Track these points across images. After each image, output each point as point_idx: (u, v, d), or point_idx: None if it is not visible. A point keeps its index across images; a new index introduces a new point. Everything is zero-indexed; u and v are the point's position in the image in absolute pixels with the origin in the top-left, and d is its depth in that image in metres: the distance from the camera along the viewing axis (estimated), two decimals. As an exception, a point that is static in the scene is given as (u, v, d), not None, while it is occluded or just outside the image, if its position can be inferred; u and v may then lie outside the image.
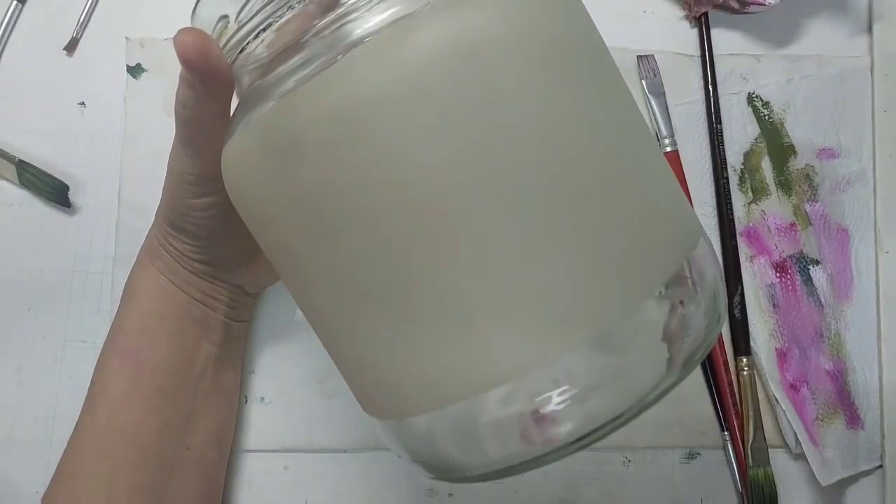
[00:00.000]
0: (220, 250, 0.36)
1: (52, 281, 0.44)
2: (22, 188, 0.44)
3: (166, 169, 0.34)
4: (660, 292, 0.24)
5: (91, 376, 0.36)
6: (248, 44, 0.26)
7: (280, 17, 0.25)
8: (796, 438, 0.44)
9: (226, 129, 0.28)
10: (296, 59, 0.25)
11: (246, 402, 0.43)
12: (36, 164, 0.44)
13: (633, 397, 0.23)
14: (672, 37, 0.47)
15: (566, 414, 0.23)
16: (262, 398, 0.43)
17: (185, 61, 0.27)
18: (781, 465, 0.44)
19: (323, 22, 0.25)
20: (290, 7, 0.25)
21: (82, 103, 0.45)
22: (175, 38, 0.26)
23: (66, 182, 0.44)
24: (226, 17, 0.27)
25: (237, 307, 0.39)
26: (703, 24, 0.47)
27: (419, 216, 0.22)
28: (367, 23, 0.24)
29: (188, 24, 0.44)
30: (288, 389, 0.43)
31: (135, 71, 0.45)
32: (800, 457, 0.44)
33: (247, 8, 0.26)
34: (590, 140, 0.24)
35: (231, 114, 0.30)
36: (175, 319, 0.36)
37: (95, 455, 0.35)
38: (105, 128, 0.45)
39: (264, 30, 0.25)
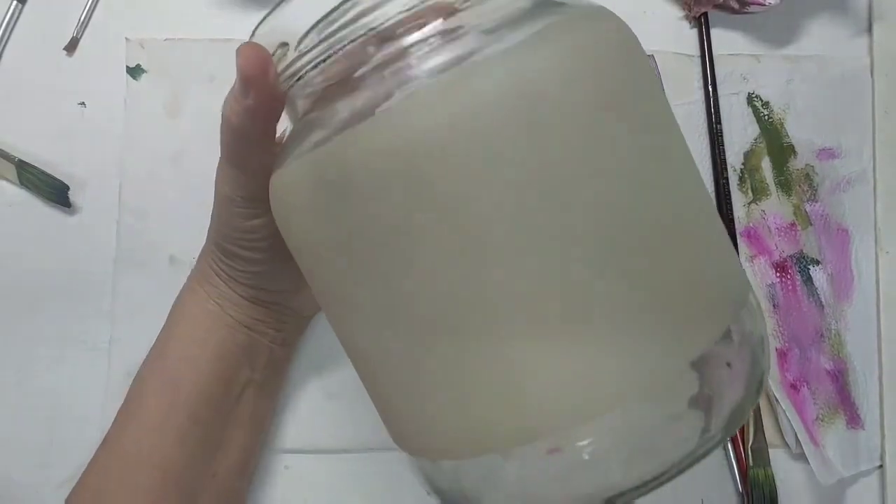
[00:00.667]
0: (271, 274, 0.35)
1: (52, 281, 0.44)
2: (22, 188, 0.44)
3: (214, 192, 0.33)
4: (708, 352, 0.24)
5: (126, 391, 0.36)
6: (305, 73, 0.26)
7: (341, 49, 0.25)
8: (796, 438, 0.44)
9: (271, 150, 0.28)
10: (354, 94, 0.25)
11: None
12: (36, 165, 0.44)
13: (670, 461, 0.23)
14: (672, 37, 0.47)
15: (601, 473, 0.23)
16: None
17: (245, 75, 0.27)
18: (782, 466, 0.44)
19: (382, 56, 0.25)
20: (352, 41, 0.25)
21: (82, 103, 0.45)
22: (238, 51, 0.26)
23: (66, 182, 0.43)
24: (285, 45, 0.27)
25: (284, 331, 0.39)
26: (702, 25, 0.47)
27: (469, 264, 0.22)
28: (427, 63, 0.23)
29: (187, 23, 0.44)
30: (289, 390, 0.43)
31: (135, 72, 0.45)
32: (800, 457, 0.44)
33: (308, 38, 0.26)
34: (645, 197, 0.23)
35: (277, 136, 0.30)
36: (219, 346, 0.36)
37: (121, 477, 0.34)
38: (105, 128, 0.45)
39: (324, 61, 0.25)
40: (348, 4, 0.25)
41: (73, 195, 0.44)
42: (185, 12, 0.46)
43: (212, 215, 0.35)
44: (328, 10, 0.25)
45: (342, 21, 0.25)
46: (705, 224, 0.26)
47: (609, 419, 0.22)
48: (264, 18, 0.27)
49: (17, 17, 0.46)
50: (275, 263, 0.35)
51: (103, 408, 0.42)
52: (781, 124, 0.47)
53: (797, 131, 0.47)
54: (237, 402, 0.37)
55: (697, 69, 0.47)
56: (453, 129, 0.22)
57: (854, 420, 0.44)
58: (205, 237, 0.37)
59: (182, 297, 0.37)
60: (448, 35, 0.24)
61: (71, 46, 0.45)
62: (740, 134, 0.47)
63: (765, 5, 0.46)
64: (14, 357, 0.43)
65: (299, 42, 0.26)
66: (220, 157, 0.31)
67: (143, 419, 0.35)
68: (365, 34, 0.24)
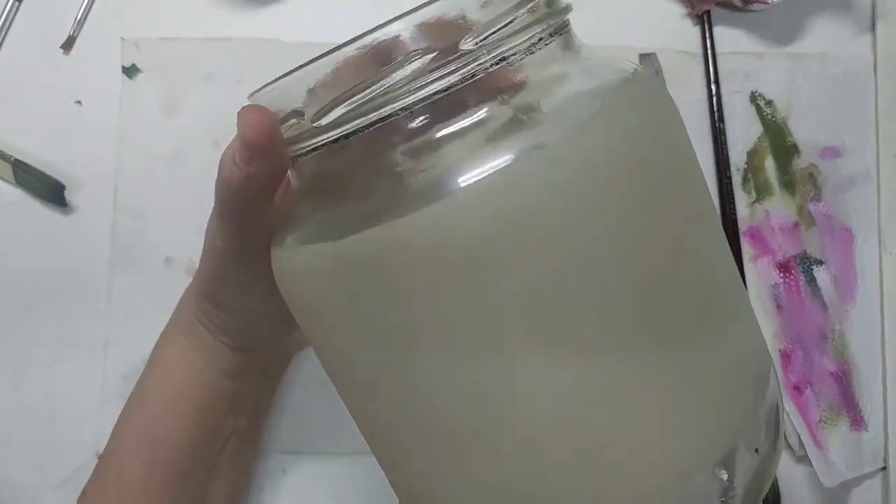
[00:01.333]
0: (262, 324, 0.34)
1: (48, 281, 0.44)
2: (18, 188, 0.44)
3: (204, 242, 0.32)
4: (734, 440, 0.23)
5: (106, 445, 0.35)
6: (322, 146, 0.23)
7: (370, 127, 0.22)
8: (800, 440, 0.43)
9: (270, 210, 0.27)
10: (387, 178, 0.22)
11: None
12: (32, 164, 0.43)
13: None
14: (674, 35, 0.47)
15: None
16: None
17: (249, 140, 0.24)
18: (785, 467, 0.44)
19: (418, 141, 0.22)
20: (383, 119, 0.22)
21: (79, 102, 0.45)
22: (240, 115, 0.24)
23: (62, 181, 0.43)
24: (299, 113, 0.24)
25: (270, 375, 0.38)
26: (705, 22, 0.47)
27: (507, 365, 0.21)
28: (469, 152, 0.22)
29: (183, 22, 0.43)
30: (286, 393, 0.43)
31: (130, 71, 0.45)
32: (803, 459, 0.44)
33: (332, 114, 0.23)
34: (689, 292, 0.23)
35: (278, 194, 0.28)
36: (203, 398, 0.34)
37: None
38: (102, 127, 0.44)
39: (346, 137, 0.23)
40: (382, 74, 0.22)
41: (69, 195, 0.44)
42: (180, 11, 0.45)
43: (200, 265, 0.33)
44: (356, 82, 0.22)
45: (373, 94, 0.22)
46: (741, 305, 0.26)
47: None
48: (274, 81, 0.24)
49: (14, 16, 0.45)
50: (266, 313, 0.33)
51: (99, 409, 0.42)
52: (785, 123, 0.47)
53: (800, 130, 0.47)
54: (221, 452, 0.36)
55: (700, 67, 0.47)
56: (504, 230, 0.20)
57: (857, 422, 0.44)
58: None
59: (166, 344, 0.36)
60: (497, 121, 0.22)
61: (67, 45, 0.45)
62: (743, 133, 0.46)
63: (768, 3, 0.46)
64: (10, 358, 0.43)
65: (318, 114, 0.23)
66: (214, 211, 0.30)
67: (124, 480, 0.34)
68: (403, 110, 0.22)
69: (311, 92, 0.24)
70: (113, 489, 0.34)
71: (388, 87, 0.22)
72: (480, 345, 0.21)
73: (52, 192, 0.43)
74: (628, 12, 0.47)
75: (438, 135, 0.22)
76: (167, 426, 0.34)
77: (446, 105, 0.22)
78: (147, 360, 0.36)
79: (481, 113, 0.22)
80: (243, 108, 0.25)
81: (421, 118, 0.22)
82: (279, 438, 0.43)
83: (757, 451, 0.24)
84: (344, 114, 0.22)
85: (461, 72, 0.21)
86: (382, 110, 0.22)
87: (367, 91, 0.22)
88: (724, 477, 0.23)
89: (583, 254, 0.21)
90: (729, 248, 0.26)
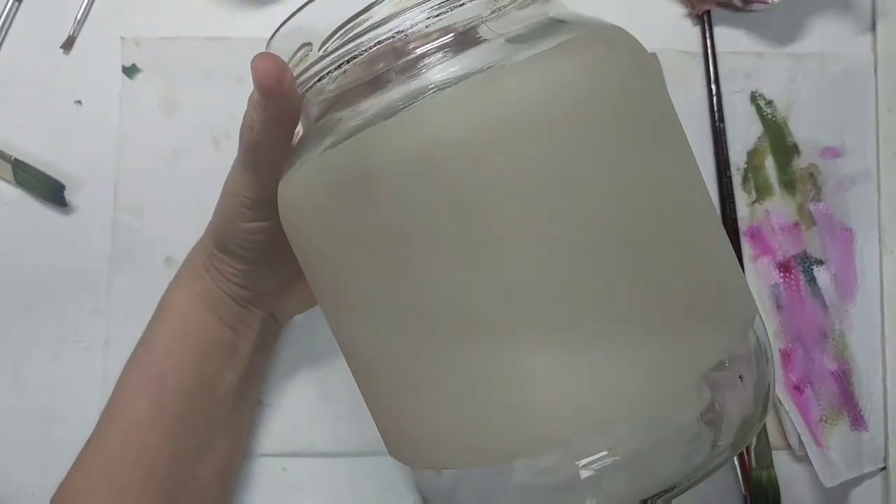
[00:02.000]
0: (263, 276, 0.36)
1: (48, 280, 0.44)
2: (18, 187, 0.44)
3: (222, 190, 0.34)
4: (717, 368, 0.24)
5: (108, 397, 0.36)
6: (328, 73, 0.26)
7: (367, 50, 0.25)
8: (800, 440, 0.43)
9: (284, 155, 0.28)
10: (375, 97, 0.25)
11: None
12: (32, 163, 0.43)
13: (679, 475, 0.23)
14: (674, 35, 0.47)
15: (607, 486, 0.23)
16: (261, 401, 0.43)
17: (261, 86, 0.27)
18: (785, 467, 0.44)
19: (406, 61, 0.25)
20: (379, 42, 0.25)
21: (79, 102, 0.45)
22: (253, 62, 0.27)
23: (62, 181, 0.43)
24: (309, 45, 0.27)
25: (265, 336, 0.39)
26: (705, 22, 0.47)
27: (486, 265, 0.22)
28: (451, 67, 0.24)
29: (183, 22, 0.43)
30: (286, 393, 0.43)
31: (130, 71, 0.45)
32: (803, 458, 0.44)
33: (335, 38, 0.26)
34: (659, 208, 0.24)
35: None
36: (203, 344, 0.36)
37: (105, 477, 0.34)
38: (102, 126, 0.44)
39: (348, 61, 0.25)
40: (376, 8, 0.25)
41: (69, 194, 0.44)
42: (180, 11, 0.45)
43: (215, 212, 0.35)
44: (355, 12, 0.25)
45: (369, 24, 0.25)
46: (716, 239, 0.26)
47: (619, 430, 0.22)
48: (288, 18, 0.27)
49: (14, 15, 0.45)
50: (269, 266, 0.35)
51: (99, 407, 0.42)
52: (785, 123, 0.47)
53: (801, 130, 0.47)
54: (220, 405, 0.37)
55: (700, 67, 0.47)
56: (479, 129, 0.22)
57: (858, 421, 0.44)
58: (200, 237, 0.37)
59: (170, 291, 0.37)
60: (472, 42, 0.25)
61: (67, 45, 0.45)
62: (743, 132, 0.46)
63: (768, 3, 0.46)
64: (10, 356, 0.43)
65: (324, 43, 0.26)
66: (237, 159, 0.32)
67: (128, 417, 0.35)
68: (392, 37, 0.24)
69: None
70: (119, 426, 0.35)
71: (388, 15, 0.24)
72: (466, 240, 0.22)
73: (52, 191, 0.43)
74: (628, 12, 0.47)
75: (423, 50, 0.25)
76: (170, 365, 0.36)
77: (437, 30, 0.25)
78: (155, 308, 0.37)
79: (462, 34, 0.25)
80: (256, 56, 0.27)
81: (408, 41, 0.25)
82: (279, 439, 0.43)
83: (741, 378, 0.25)
84: (346, 41, 0.25)
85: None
86: (380, 30, 0.24)
87: (363, 18, 0.25)
88: (708, 394, 0.23)
89: (554, 164, 0.22)
90: (711, 202, 0.27)
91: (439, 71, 0.24)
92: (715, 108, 0.46)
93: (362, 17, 0.25)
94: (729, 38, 0.47)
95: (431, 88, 0.23)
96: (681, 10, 0.48)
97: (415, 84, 0.24)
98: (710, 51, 0.46)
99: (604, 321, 0.22)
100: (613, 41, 0.25)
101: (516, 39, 0.25)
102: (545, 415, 0.22)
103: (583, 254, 0.22)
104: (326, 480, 0.43)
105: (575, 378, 0.22)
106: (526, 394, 0.22)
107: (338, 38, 0.25)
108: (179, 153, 0.44)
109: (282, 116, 0.28)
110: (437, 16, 0.24)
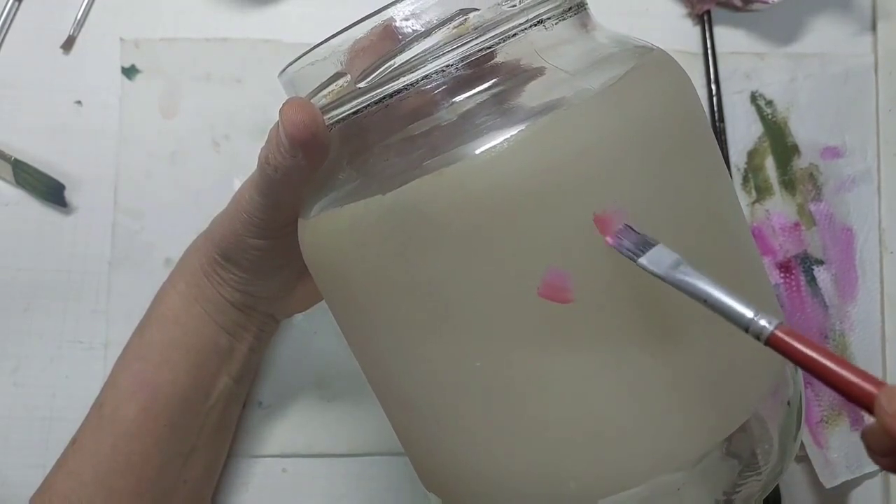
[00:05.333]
0: (266, 283, 0.35)
1: (48, 281, 0.43)
2: (18, 188, 0.44)
3: (232, 202, 0.33)
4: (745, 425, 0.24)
5: (99, 393, 0.36)
6: (366, 108, 0.24)
7: (416, 85, 0.23)
8: (800, 440, 0.43)
9: (304, 189, 0.27)
10: (427, 136, 0.23)
11: (244, 406, 0.42)
12: (32, 163, 0.43)
13: None
14: (674, 35, 0.47)
15: None
16: (261, 402, 0.43)
17: (292, 139, 0.25)
18: (785, 468, 0.44)
19: (455, 98, 0.23)
20: (427, 77, 0.23)
21: (79, 102, 0.45)
22: (283, 111, 0.25)
23: (62, 181, 0.43)
24: (343, 75, 0.25)
25: (262, 337, 0.39)
26: (705, 22, 0.47)
27: (546, 316, 0.22)
28: (511, 106, 0.23)
29: (183, 22, 0.43)
30: (286, 394, 0.43)
31: (129, 72, 0.45)
32: (803, 459, 0.43)
33: (377, 72, 0.24)
34: (711, 250, 0.24)
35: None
36: (199, 351, 0.35)
37: (95, 482, 0.34)
38: (102, 127, 0.44)
39: (391, 97, 0.23)
40: (421, 37, 0.23)
41: (69, 195, 0.44)
42: (180, 12, 0.45)
43: (220, 221, 0.34)
44: (400, 44, 0.23)
45: (414, 56, 0.23)
46: (758, 271, 0.27)
47: (636, 492, 0.23)
48: (319, 45, 0.25)
49: (14, 15, 0.45)
50: (273, 273, 0.35)
51: (100, 409, 0.42)
52: (785, 123, 0.47)
53: (801, 130, 0.47)
54: (212, 409, 0.37)
55: (700, 67, 0.47)
56: (557, 176, 0.21)
57: (858, 421, 0.44)
58: (195, 240, 0.37)
59: (166, 295, 0.36)
60: (527, 77, 0.24)
61: (67, 45, 0.45)
62: (744, 132, 0.46)
63: (768, 3, 0.46)
64: (10, 357, 0.43)
65: (364, 75, 0.24)
66: (252, 180, 0.31)
67: (119, 423, 0.34)
68: (441, 72, 0.23)
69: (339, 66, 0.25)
70: (108, 433, 0.35)
71: (432, 46, 0.23)
72: (528, 288, 0.22)
73: (52, 192, 0.43)
74: (629, 12, 0.47)
75: (478, 90, 0.23)
76: (164, 375, 0.35)
77: (487, 63, 0.23)
78: (146, 311, 0.37)
79: (521, 72, 0.24)
80: (286, 104, 0.25)
81: (465, 73, 0.23)
82: (279, 440, 0.43)
83: (789, 403, 0.25)
84: (389, 73, 0.23)
85: (502, 30, 0.23)
86: (428, 67, 0.23)
87: (412, 50, 0.23)
88: (729, 462, 0.24)
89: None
90: (747, 224, 0.28)
91: (497, 110, 0.23)
92: (715, 109, 0.46)
93: (406, 51, 0.23)
94: (729, 38, 0.47)
95: (487, 128, 0.22)
96: (681, 10, 0.47)
97: (469, 125, 0.23)
98: (710, 51, 0.46)
99: (649, 379, 0.23)
100: (667, 71, 0.25)
101: (573, 72, 0.24)
102: (566, 473, 0.23)
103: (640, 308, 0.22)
104: (326, 481, 0.43)
105: (602, 433, 0.23)
106: (552, 451, 0.23)
107: (380, 72, 0.23)
108: (179, 154, 0.44)
109: (309, 165, 0.27)
110: (490, 48, 0.23)
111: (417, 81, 0.23)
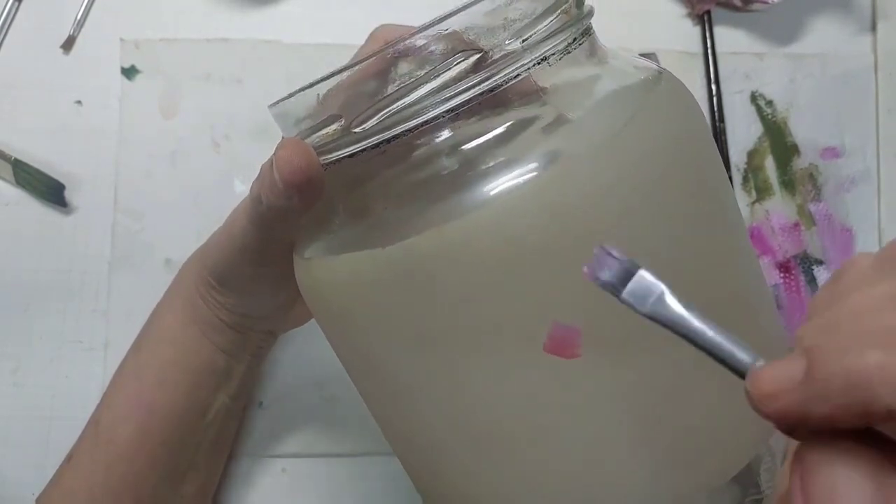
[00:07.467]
0: (262, 305, 0.35)
1: (48, 281, 0.43)
2: (18, 188, 0.44)
3: (225, 227, 0.32)
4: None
5: (95, 409, 0.36)
6: (362, 152, 0.23)
7: (414, 131, 0.22)
8: (800, 440, 0.43)
9: (298, 224, 0.26)
10: (430, 185, 0.23)
11: (244, 407, 0.42)
12: (32, 163, 0.43)
13: None
14: (675, 35, 0.47)
15: None
16: (261, 403, 0.43)
17: (287, 183, 0.24)
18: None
19: (455, 143, 0.22)
20: (427, 123, 0.22)
21: (79, 102, 0.45)
22: (278, 153, 0.24)
23: (62, 181, 0.43)
24: (338, 117, 0.24)
25: (260, 354, 0.38)
26: (705, 22, 0.47)
27: (552, 371, 0.22)
28: (514, 153, 0.22)
29: (183, 23, 0.42)
30: (286, 394, 0.43)
31: (129, 72, 0.45)
32: (803, 459, 0.43)
33: (374, 119, 0.23)
34: (727, 284, 0.24)
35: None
36: (196, 371, 0.35)
37: (90, 501, 0.34)
38: (102, 127, 0.44)
39: (389, 142, 0.22)
40: (426, 77, 0.22)
41: (69, 195, 0.43)
42: (180, 12, 0.45)
43: (215, 245, 0.33)
44: (396, 85, 0.22)
45: (413, 101, 0.22)
46: (768, 311, 0.27)
47: None
48: (299, 90, 0.24)
49: (14, 15, 0.45)
50: (269, 295, 0.34)
51: (100, 409, 0.42)
52: (785, 123, 0.47)
53: (801, 130, 0.47)
54: (209, 426, 0.36)
55: (700, 67, 0.47)
56: (565, 228, 0.21)
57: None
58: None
59: (162, 316, 0.36)
60: (531, 120, 0.23)
61: (67, 45, 0.45)
62: (744, 133, 0.46)
63: (768, 3, 0.46)
64: (10, 357, 0.43)
65: (358, 119, 0.23)
66: (245, 209, 0.30)
67: (115, 444, 0.34)
68: (440, 117, 0.22)
69: (320, 100, 0.24)
70: (103, 454, 0.34)
71: (432, 89, 0.22)
72: (534, 345, 0.21)
73: (52, 192, 0.43)
74: (628, 12, 0.47)
75: (482, 137, 0.22)
76: (161, 396, 0.34)
77: (491, 105, 0.22)
78: (142, 328, 0.36)
79: (524, 114, 0.23)
80: (281, 145, 0.24)
81: (470, 119, 0.22)
82: (279, 440, 0.43)
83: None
84: (386, 118, 0.22)
85: (505, 72, 0.22)
86: (428, 113, 0.22)
87: (411, 95, 0.22)
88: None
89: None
90: (756, 258, 0.27)
91: (499, 153, 0.22)
92: (715, 109, 0.46)
93: (405, 94, 0.22)
94: (729, 38, 0.47)
95: (489, 179, 0.21)
96: (681, 10, 0.47)
97: (470, 172, 0.22)
98: (710, 51, 0.46)
99: (654, 434, 0.23)
100: (672, 102, 0.24)
101: (578, 114, 0.23)
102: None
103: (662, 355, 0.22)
104: (326, 481, 0.43)
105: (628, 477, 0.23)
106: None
107: (379, 117, 0.22)
108: (179, 154, 0.44)
109: (303, 206, 0.26)
110: (492, 90, 0.22)
111: (416, 127, 0.22)
